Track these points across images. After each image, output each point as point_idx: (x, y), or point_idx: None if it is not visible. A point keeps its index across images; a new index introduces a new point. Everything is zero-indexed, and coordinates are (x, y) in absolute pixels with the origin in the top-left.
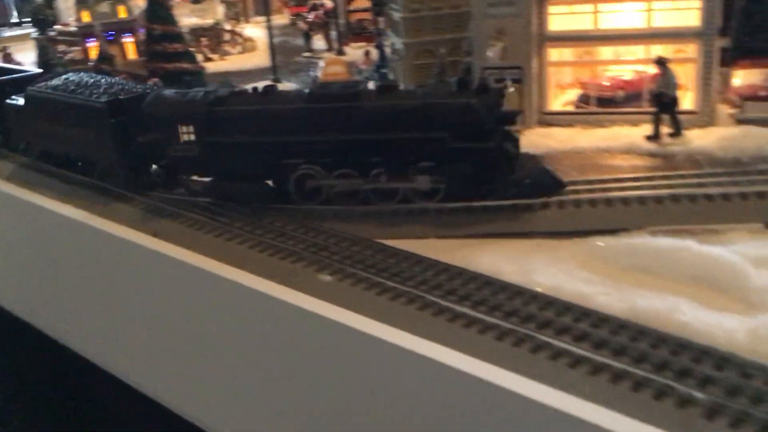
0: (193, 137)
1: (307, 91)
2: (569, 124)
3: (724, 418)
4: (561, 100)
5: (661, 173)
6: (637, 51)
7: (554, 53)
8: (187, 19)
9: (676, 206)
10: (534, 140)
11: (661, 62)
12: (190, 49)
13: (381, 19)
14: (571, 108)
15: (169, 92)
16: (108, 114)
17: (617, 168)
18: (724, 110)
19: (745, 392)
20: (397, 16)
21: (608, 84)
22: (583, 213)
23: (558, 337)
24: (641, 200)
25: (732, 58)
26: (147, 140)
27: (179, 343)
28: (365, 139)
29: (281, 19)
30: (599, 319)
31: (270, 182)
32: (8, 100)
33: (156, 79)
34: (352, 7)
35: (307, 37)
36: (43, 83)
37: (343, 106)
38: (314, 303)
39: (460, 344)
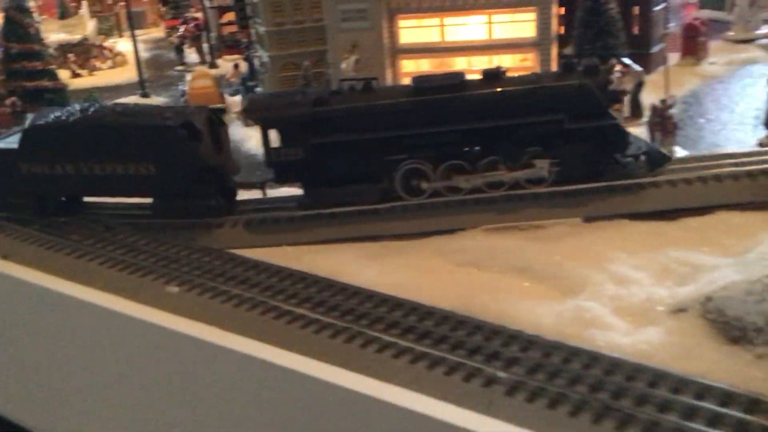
0: (296, 140)
1: (410, 84)
2: None
3: (522, 393)
4: None
5: None
6: (486, 60)
7: (409, 64)
8: (55, 35)
9: (508, 205)
10: None
11: (489, 72)
12: (53, 66)
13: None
14: None
15: (262, 96)
16: (186, 137)
17: None
18: None
19: (544, 369)
20: (261, 29)
21: None
22: None
23: (385, 332)
24: (477, 202)
25: None
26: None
27: (32, 362)
28: (474, 129)
29: (158, 32)
30: (426, 312)
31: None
32: None
33: (14, 98)
34: (224, 20)
35: (179, 50)
36: (40, 117)
37: (450, 96)
38: (158, 315)
39: (300, 345)
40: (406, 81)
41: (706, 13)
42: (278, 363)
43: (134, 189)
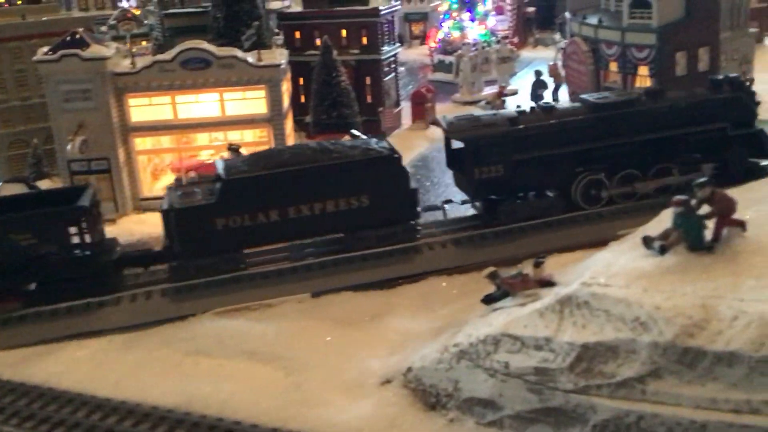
0: (497, 158)
1: (582, 103)
2: None
3: None
4: (160, 185)
5: None
6: (232, 136)
7: (144, 142)
8: None
9: (238, 286)
10: (130, 227)
11: (232, 148)
12: None
13: None
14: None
15: (460, 118)
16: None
17: None
18: None
19: None
20: None
21: (191, 168)
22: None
23: None
24: (207, 285)
25: (313, 132)
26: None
27: None
28: (649, 140)
29: None
30: (144, 415)
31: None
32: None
33: None
34: None
35: None
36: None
37: (627, 111)
38: None
39: None
40: (141, 159)
41: (439, 76)
42: None
43: (345, 224)
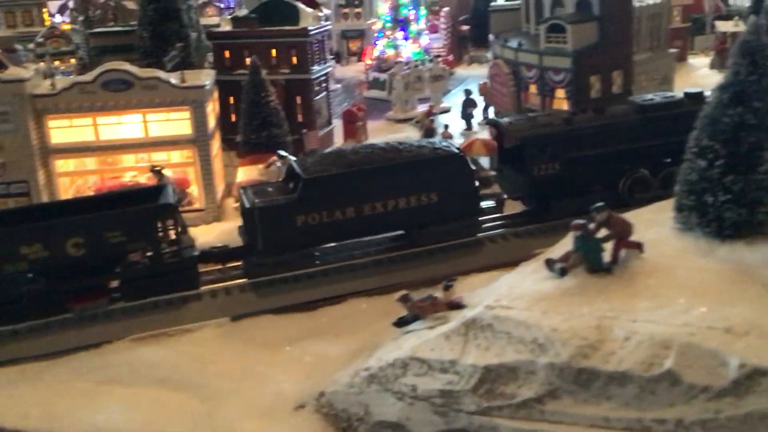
0: (553, 156)
1: (630, 105)
2: None
3: None
4: None
5: None
6: (157, 157)
7: (68, 164)
8: None
9: (156, 311)
10: None
11: (154, 170)
12: None
13: None
14: None
15: (518, 119)
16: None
17: None
18: (232, 204)
19: None
20: None
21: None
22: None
23: None
24: (123, 311)
25: (243, 151)
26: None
27: None
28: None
29: None
30: None
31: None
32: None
33: None
34: None
35: None
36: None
37: (672, 113)
38: None
39: None
40: (63, 181)
41: (374, 93)
42: None
43: (414, 219)
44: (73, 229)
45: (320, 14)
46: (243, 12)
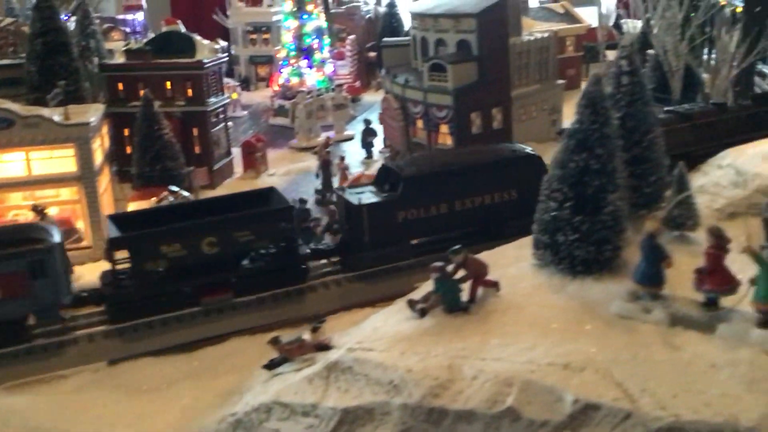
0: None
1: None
2: None
3: None
4: None
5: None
6: (45, 194)
7: None
8: None
9: (29, 359)
10: None
11: (36, 209)
12: None
13: None
14: None
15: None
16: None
17: None
18: None
19: None
20: None
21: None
22: None
23: None
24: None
25: (137, 184)
26: None
27: None
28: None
29: None
30: None
31: None
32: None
33: None
34: None
35: None
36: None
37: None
38: None
39: None
40: None
41: (280, 121)
42: None
43: (497, 215)
44: (209, 229)
45: (216, 46)
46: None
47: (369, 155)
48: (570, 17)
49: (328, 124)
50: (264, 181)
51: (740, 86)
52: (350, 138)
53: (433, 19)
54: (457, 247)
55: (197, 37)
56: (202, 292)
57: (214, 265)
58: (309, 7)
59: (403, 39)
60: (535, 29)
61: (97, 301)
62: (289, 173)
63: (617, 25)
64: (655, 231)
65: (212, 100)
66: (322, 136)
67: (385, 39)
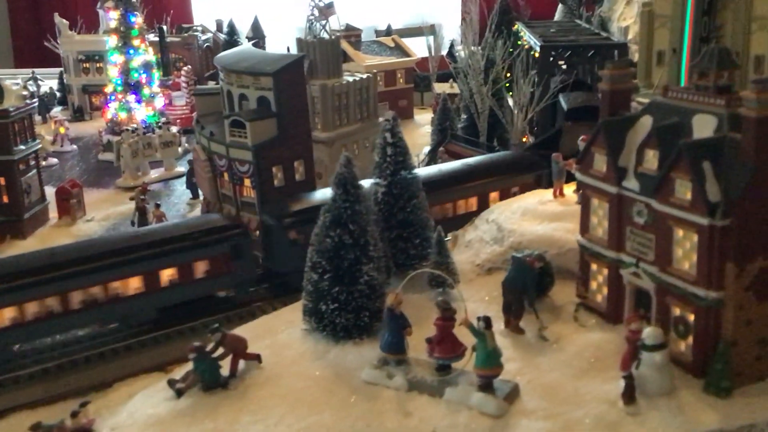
0: None
1: None
2: None
3: None
4: None
5: None
6: None
7: None
8: None
9: None
10: None
11: None
12: None
13: None
14: None
15: None
16: None
17: None
18: None
19: None
20: None
21: None
22: None
23: None
24: None
25: None
26: None
27: None
28: None
29: None
30: None
31: None
32: None
33: None
34: None
35: None
36: None
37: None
38: None
39: None
40: None
41: (109, 156)
42: None
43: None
44: None
45: (25, 93)
46: None
47: (194, 196)
48: (400, 50)
49: (158, 160)
50: (80, 229)
51: (537, 128)
52: (181, 175)
53: (236, 74)
54: (214, 326)
55: (7, 82)
56: None
57: None
58: (135, 42)
59: (216, 87)
60: (367, 62)
61: None
62: (108, 218)
63: (451, 54)
64: (395, 303)
65: (20, 147)
66: (152, 174)
67: (198, 87)
